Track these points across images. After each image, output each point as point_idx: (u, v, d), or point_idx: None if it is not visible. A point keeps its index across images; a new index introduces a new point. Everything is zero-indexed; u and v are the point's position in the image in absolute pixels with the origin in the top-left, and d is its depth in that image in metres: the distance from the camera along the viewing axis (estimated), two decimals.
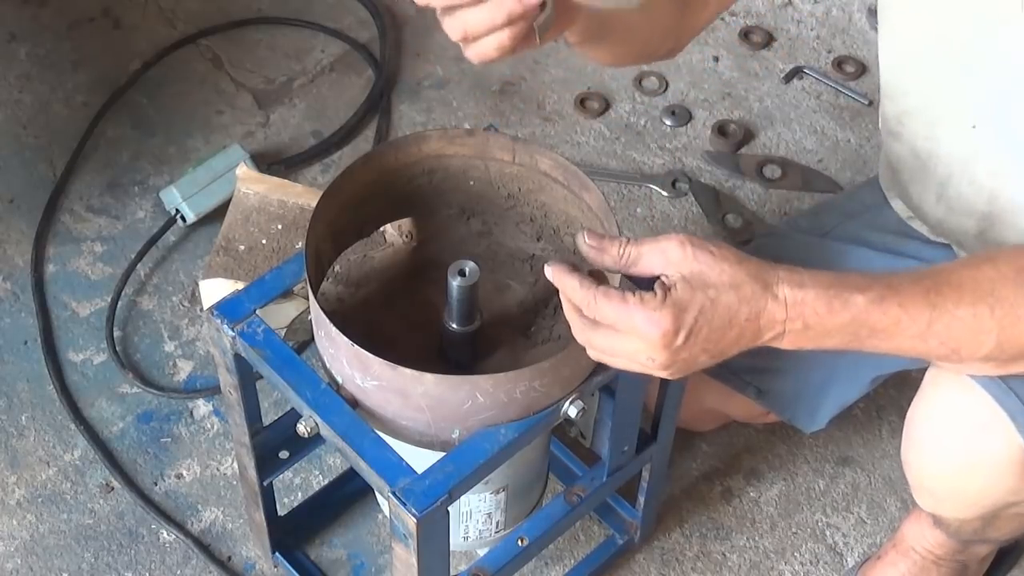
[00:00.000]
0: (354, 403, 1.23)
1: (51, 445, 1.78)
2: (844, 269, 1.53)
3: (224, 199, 1.95)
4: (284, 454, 1.46)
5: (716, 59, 2.29)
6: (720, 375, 1.61)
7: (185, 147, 2.13)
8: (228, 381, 1.34)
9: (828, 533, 1.73)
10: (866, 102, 2.21)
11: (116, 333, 1.88)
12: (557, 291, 1.10)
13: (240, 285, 1.64)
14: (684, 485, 1.76)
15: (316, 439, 1.26)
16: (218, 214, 1.94)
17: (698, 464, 1.79)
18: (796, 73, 2.25)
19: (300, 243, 1.80)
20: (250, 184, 1.88)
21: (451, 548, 1.33)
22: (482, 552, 1.48)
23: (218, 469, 1.76)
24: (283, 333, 1.78)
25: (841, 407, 1.61)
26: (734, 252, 1.06)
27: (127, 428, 1.80)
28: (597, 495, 1.46)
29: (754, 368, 1.60)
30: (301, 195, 1.87)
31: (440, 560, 1.28)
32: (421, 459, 1.21)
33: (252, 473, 1.46)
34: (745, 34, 2.32)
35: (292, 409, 1.36)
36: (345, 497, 1.70)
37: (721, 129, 2.14)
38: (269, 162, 2.06)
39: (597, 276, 1.10)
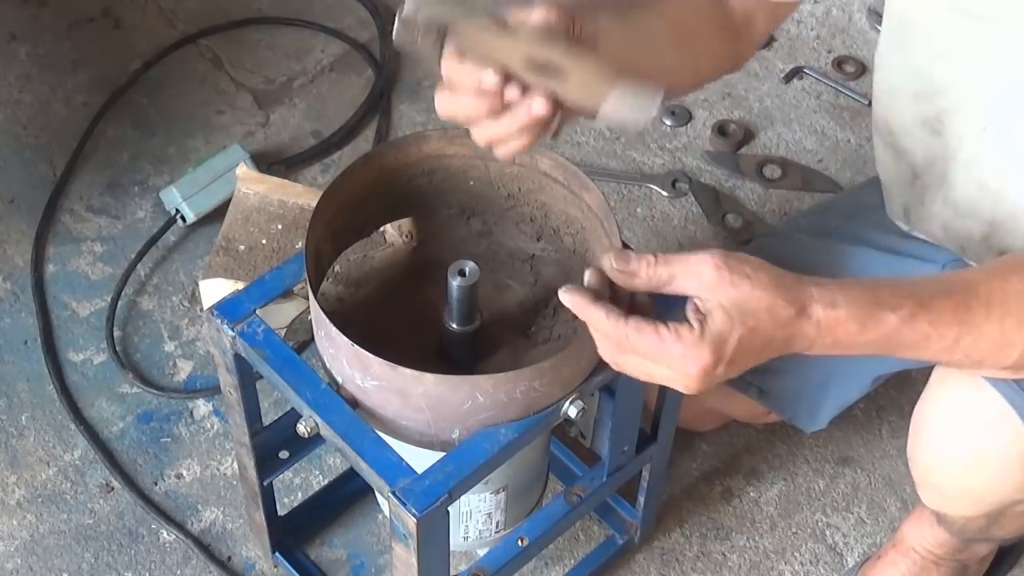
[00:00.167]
0: (354, 403, 1.23)
1: (51, 445, 1.78)
2: (846, 269, 1.54)
3: (224, 199, 1.95)
4: (284, 454, 1.46)
5: None
6: None
7: (185, 147, 2.13)
8: (228, 381, 1.34)
9: (828, 533, 1.73)
10: (866, 102, 2.21)
11: (116, 333, 1.88)
12: (557, 291, 1.10)
13: (240, 285, 1.64)
14: (684, 485, 1.76)
15: (316, 439, 1.26)
16: (218, 214, 1.94)
17: (698, 464, 1.79)
18: (796, 73, 2.25)
19: (300, 243, 1.80)
20: (250, 184, 1.88)
21: (451, 548, 1.33)
22: (482, 552, 1.48)
23: (218, 469, 1.76)
24: (283, 333, 1.78)
25: (842, 407, 1.61)
26: (768, 273, 1.04)
27: (127, 428, 1.80)
28: (597, 495, 1.46)
29: (755, 368, 1.59)
30: (301, 195, 1.87)
31: (440, 560, 1.28)
32: (421, 459, 1.21)
33: (252, 473, 1.46)
34: None
35: (292, 409, 1.36)
36: (345, 497, 1.70)
37: (721, 129, 2.14)
38: (269, 162, 2.06)
39: (613, 285, 1.08)
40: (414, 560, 1.23)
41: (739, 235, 2.02)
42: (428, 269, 1.36)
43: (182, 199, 1.96)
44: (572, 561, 1.68)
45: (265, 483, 1.49)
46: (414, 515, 1.16)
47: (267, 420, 1.46)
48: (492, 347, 1.30)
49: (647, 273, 1.04)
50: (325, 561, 1.68)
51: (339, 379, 1.24)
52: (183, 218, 1.97)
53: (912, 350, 1.09)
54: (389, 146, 1.33)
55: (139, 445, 1.78)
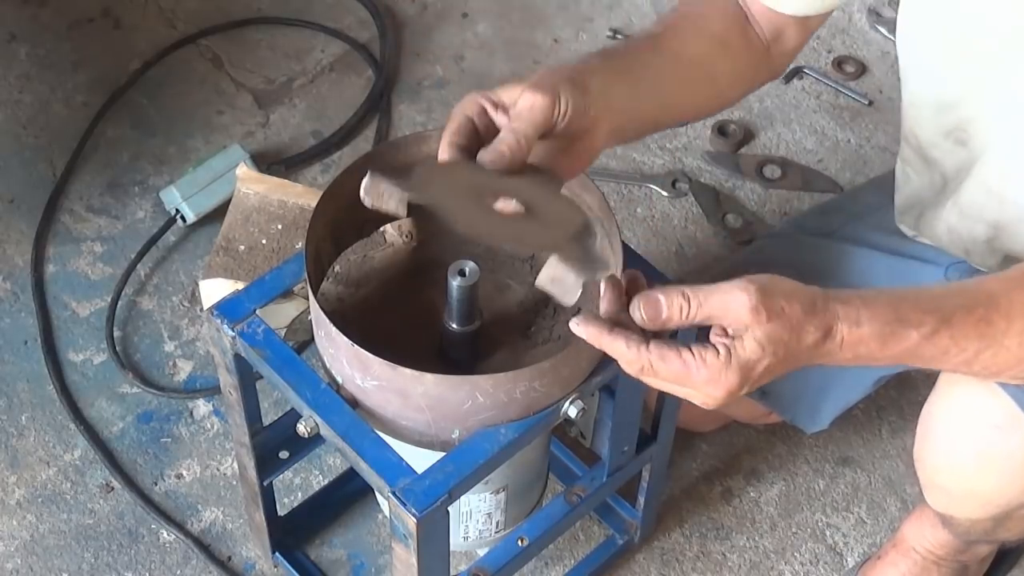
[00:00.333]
0: (354, 403, 1.23)
1: (51, 445, 1.78)
2: (847, 270, 1.54)
3: (224, 199, 1.95)
4: (284, 454, 1.46)
5: None
6: None
7: (185, 147, 2.13)
8: (228, 381, 1.34)
9: (828, 533, 1.73)
10: (866, 102, 2.21)
11: (116, 333, 1.88)
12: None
13: (240, 285, 1.64)
14: (684, 485, 1.76)
15: (316, 439, 1.26)
16: (218, 214, 1.94)
17: (698, 464, 1.79)
18: (796, 73, 2.25)
19: (300, 243, 1.80)
20: (250, 184, 1.88)
21: (451, 548, 1.33)
22: (482, 552, 1.48)
23: (218, 469, 1.76)
24: (283, 333, 1.78)
25: (843, 408, 1.61)
26: (800, 303, 1.02)
27: (127, 428, 1.80)
28: (597, 495, 1.46)
29: None
30: (301, 195, 1.87)
31: (440, 560, 1.28)
32: (421, 459, 1.21)
33: (252, 473, 1.46)
34: None
35: (292, 409, 1.36)
36: (345, 497, 1.70)
37: (721, 129, 2.14)
38: (269, 162, 2.06)
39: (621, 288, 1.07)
40: (414, 560, 1.23)
41: (739, 235, 2.02)
42: (428, 269, 1.36)
43: (182, 199, 1.96)
44: (572, 561, 1.68)
45: (265, 483, 1.48)
46: (414, 515, 1.16)
47: (267, 420, 1.46)
48: (492, 347, 1.29)
49: (679, 317, 1.02)
50: (325, 561, 1.68)
51: (339, 379, 1.24)
52: (183, 218, 1.97)
53: (931, 363, 1.09)
54: (389, 146, 1.33)
55: (139, 445, 1.78)
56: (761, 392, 1.61)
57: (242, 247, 1.83)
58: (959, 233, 1.41)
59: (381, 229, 1.39)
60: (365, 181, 1.09)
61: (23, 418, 1.81)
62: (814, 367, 1.48)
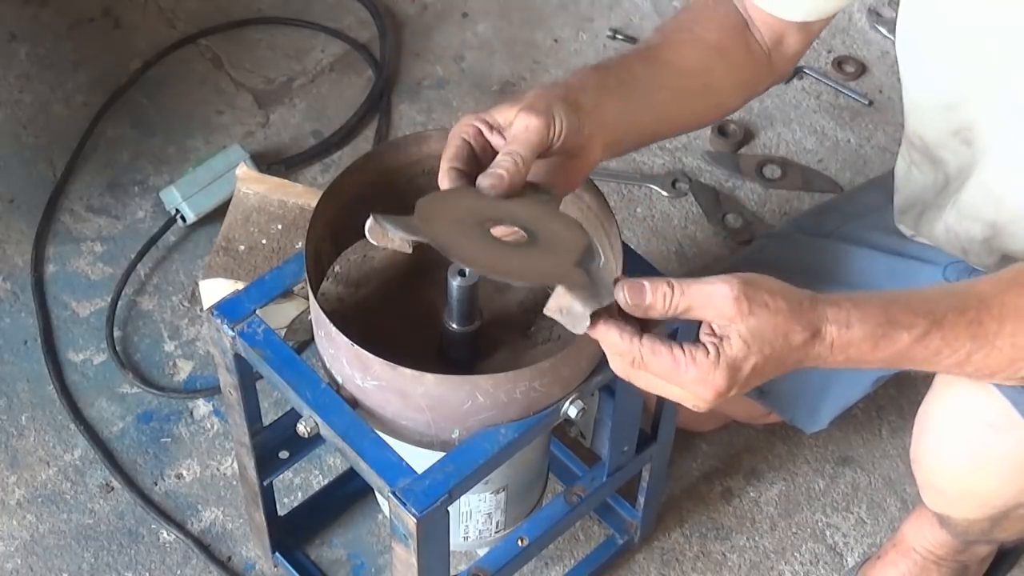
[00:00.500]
0: (354, 403, 1.23)
1: (51, 445, 1.78)
2: (847, 270, 1.54)
3: (224, 199, 1.95)
4: (284, 454, 1.46)
5: None
6: None
7: (185, 147, 2.13)
8: (228, 381, 1.34)
9: (828, 533, 1.73)
10: (866, 102, 2.21)
11: (116, 333, 1.88)
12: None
13: (240, 285, 1.64)
14: (684, 485, 1.76)
15: (316, 439, 1.26)
16: (218, 214, 1.94)
17: (698, 464, 1.79)
18: (796, 73, 2.25)
19: (300, 243, 1.80)
20: (250, 184, 1.88)
21: (451, 548, 1.33)
22: (482, 552, 1.48)
23: (218, 469, 1.76)
24: (283, 333, 1.78)
25: (843, 408, 1.61)
26: (785, 299, 1.02)
27: (127, 428, 1.80)
28: (597, 495, 1.46)
29: None
30: (301, 195, 1.87)
31: (440, 560, 1.28)
32: (421, 459, 1.21)
33: (252, 473, 1.46)
34: None
35: (292, 409, 1.36)
36: (345, 497, 1.70)
37: (721, 129, 2.14)
38: (269, 162, 2.06)
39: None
40: (414, 560, 1.23)
41: (739, 235, 2.02)
42: (428, 269, 1.36)
43: (182, 199, 1.96)
44: (572, 561, 1.68)
45: (265, 483, 1.49)
46: (414, 515, 1.16)
47: (267, 420, 1.46)
48: (492, 347, 1.29)
49: (663, 305, 1.02)
50: (325, 561, 1.68)
51: (339, 379, 1.24)
52: (183, 218, 1.97)
53: (923, 364, 1.09)
54: (389, 146, 1.33)
55: (139, 445, 1.78)
56: (760, 392, 1.61)
57: (242, 247, 1.83)
58: (956, 233, 1.41)
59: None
60: (369, 223, 1.09)
61: (23, 418, 1.81)
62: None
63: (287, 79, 2.24)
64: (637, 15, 2.35)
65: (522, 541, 1.42)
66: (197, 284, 1.91)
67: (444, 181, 1.14)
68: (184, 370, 1.86)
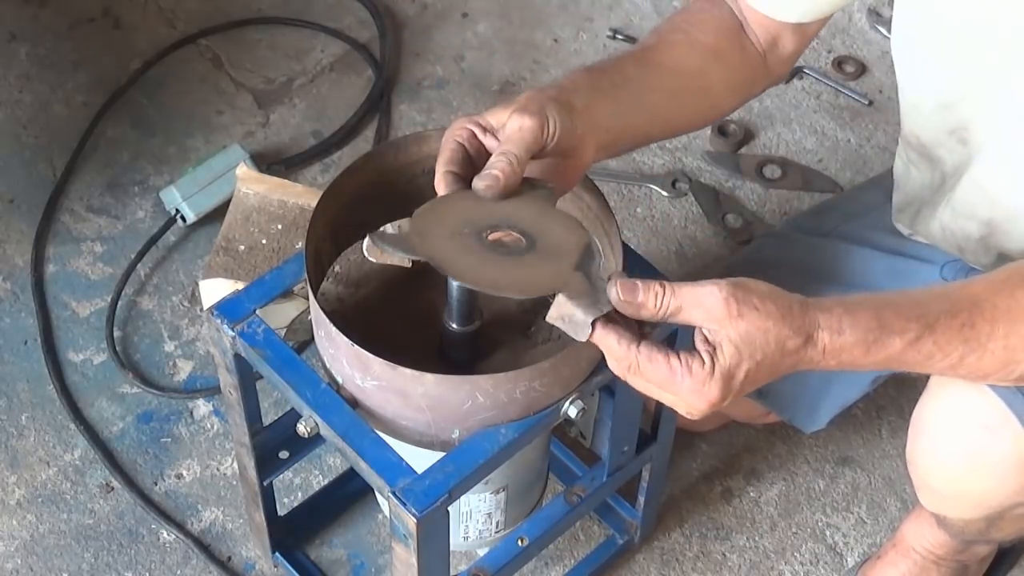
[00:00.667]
0: (354, 403, 1.23)
1: (51, 445, 1.78)
2: (846, 270, 1.54)
3: (224, 199, 1.95)
4: (284, 454, 1.46)
5: None
6: None
7: (185, 147, 2.13)
8: (228, 381, 1.34)
9: (828, 533, 1.73)
10: (866, 102, 2.21)
11: (116, 333, 1.88)
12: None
13: (240, 285, 1.64)
14: (684, 485, 1.76)
15: (316, 439, 1.26)
16: (218, 214, 1.94)
17: (698, 464, 1.79)
18: (796, 73, 2.25)
19: (300, 243, 1.80)
20: (250, 184, 1.88)
21: (451, 548, 1.33)
22: (482, 552, 1.48)
23: (218, 469, 1.76)
24: (283, 333, 1.78)
25: (841, 407, 1.61)
26: (775, 303, 1.03)
27: (127, 428, 1.80)
28: (597, 495, 1.46)
29: None
30: (301, 195, 1.87)
31: (440, 560, 1.28)
32: (421, 459, 1.21)
33: (252, 473, 1.46)
34: None
35: (292, 409, 1.36)
36: (345, 497, 1.70)
37: (721, 129, 2.14)
38: (269, 162, 2.06)
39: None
40: (414, 560, 1.23)
41: (739, 235, 2.02)
42: (428, 269, 1.35)
43: (182, 199, 1.96)
44: (572, 561, 1.68)
45: (265, 483, 1.49)
46: (414, 515, 1.16)
47: (267, 420, 1.46)
48: (492, 347, 1.29)
49: (654, 304, 1.03)
50: (325, 561, 1.68)
51: (339, 379, 1.24)
52: (183, 218, 1.97)
53: (916, 367, 1.09)
54: (389, 146, 1.33)
55: (139, 445, 1.78)
56: (759, 392, 1.60)
57: (242, 247, 1.83)
58: (952, 231, 1.41)
59: (381, 229, 1.39)
60: (366, 243, 1.10)
61: (23, 418, 1.81)
62: None
63: (287, 79, 2.24)
64: (637, 15, 2.35)
65: (522, 541, 1.42)
66: (197, 284, 1.91)
67: (441, 186, 1.15)
68: (184, 370, 1.86)
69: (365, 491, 1.69)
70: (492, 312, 1.31)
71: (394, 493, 1.17)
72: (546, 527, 1.43)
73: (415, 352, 1.23)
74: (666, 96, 1.29)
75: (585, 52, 2.29)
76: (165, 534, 1.70)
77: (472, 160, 1.17)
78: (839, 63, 2.26)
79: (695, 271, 1.97)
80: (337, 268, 1.35)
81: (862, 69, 2.26)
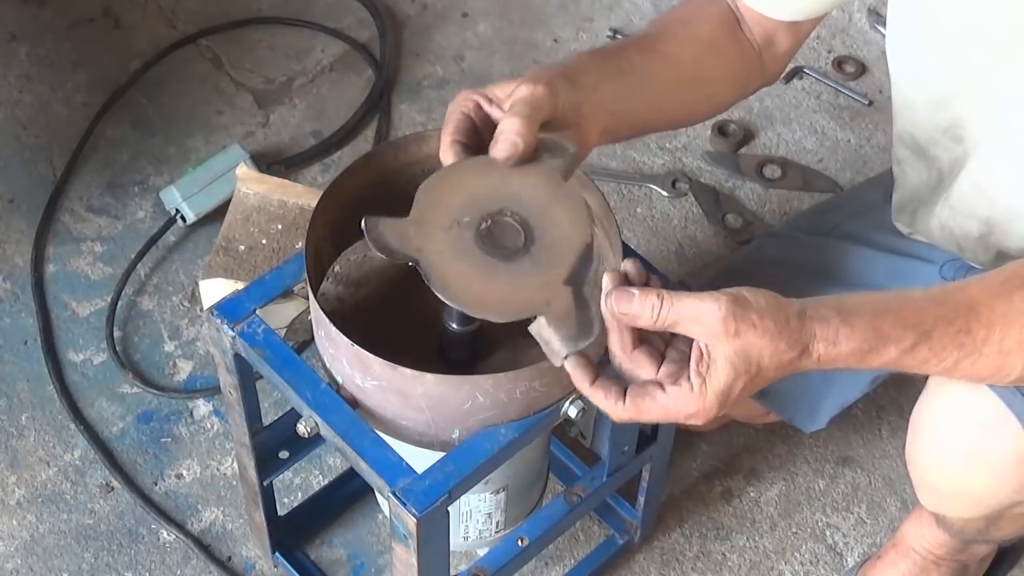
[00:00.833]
0: (354, 403, 1.23)
1: (51, 445, 1.78)
2: (846, 269, 1.54)
3: (224, 199, 1.95)
4: (284, 454, 1.46)
5: None
6: None
7: (185, 147, 2.13)
8: (228, 381, 1.34)
9: (828, 533, 1.73)
10: (866, 102, 2.21)
11: (116, 333, 1.88)
12: None
13: (240, 285, 1.64)
14: (684, 485, 1.76)
15: (316, 439, 1.26)
16: (218, 214, 1.94)
17: (698, 464, 1.79)
18: (796, 73, 2.25)
19: (300, 243, 1.80)
20: (250, 184, 1.88)
21: (451, 548, 1.33)
22: (482, 552, 1.48)
23: (218, 469, 1.76)
24: (283, 333, 1.78)
25: (841, 407, 1.61)
26: (773, 319, 1.02)
27: (127, 428, 1.80)
28: (597, 495, 1.46)
29: None
30: (301, 195, 1.87)
31: (440, 560, 1.28)
32: (421, 459, 1.21)
33: (252, 473, 1.46)
34: None
35: (292, 409, 1.36)
36: (345, 497, 1.70)
37: (721, 129, 2.14)
38: (269, 162, 2.06)
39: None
40: (414, 560, 1.23)
41: (739, 235, 2.02)
42: None
43: (182, 199, 1.96)
44: (572, 561, 1.68)
45: (265, 483, 1.49)
46: (414, 515, 1.16)
47: (267, 420, 1.46)
48: (492, 347, 1.30)
49: (650, 316, 1.02)
50: (325, 561, 1.68)
51: (339, 379, 1.24)
52: (183, 218, 1.97)
53: (910, 371, 1.10)
54: (389, 146, 1.33)
55: (139, 445, 1.78)
56: (759, 392, 1.60)
57: (242, 247, 1.83)
58: (951, 229, 1.41)
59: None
60: (364, 226, 1.09)
61: (23, 418, 1.81)
62: None
63: (287, 79, 2.24)
64: (637, 15, 2.35)
65: (522, 541, 1.42)
66: (197, 284, 1.91)
67: (448, 155, 1.13)
68: (184, 370, 1.86)
69: (365, 491, 1.69)
70: None
71: (394, 493, 1.17)
72: (546, 527, 1.43)
73: (415, 352, 1.23)
74: (667, 85, 1.29)
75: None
76: (165, 534, 1.70)
77: (478, 131, 1.15)
78: (839, 63, 2.26)
79: (695, 271, 1.97)
80: (337, 268, 1.35)
81: (862, 69, 2.26)
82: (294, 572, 1.63)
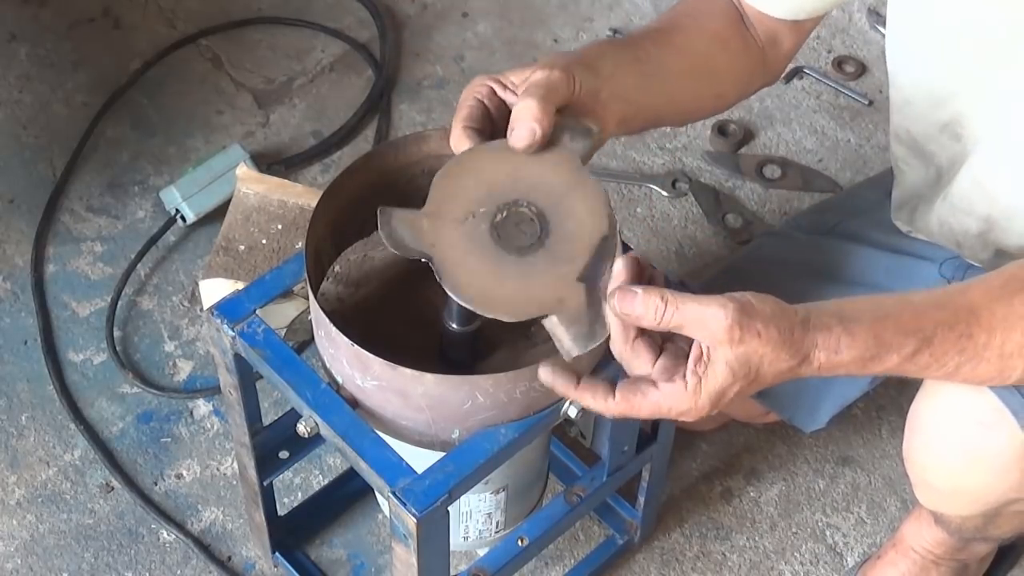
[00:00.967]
0: (354, 403, 1.23)
1: (51, 445, 1.78)
2: (846, 268, 1.54)
3: (224, 199, 1.95)
4: (284, 454, 1.46)
5: None
6: None
7: (185, 147, 2.13)
8: (228, 381, 1.34)
9: (828, 533, 1.73)
10: (866, 102, 2.21)
11: (116, 333, 1.88)
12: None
13: (240, 285, 1.64)
14: (684, 485, 1.76)
15: (316, 439, 1.26)
16: (218, 214, 1.94)
17: (698, 464, 1.79)
18: (796, 73, 2.25)
19: (300, 243, 1.80)
20: (250, 184, 1.88)
21: (451, 548, 1.33)
22: (482, 552, 1.48)
23: (218, 469, 1.76)
24: (283, 333, 1.78)
25: (841, 406, 1.61)
26: (779, 327, 1.02)
27: (127, 428, 1.80)
28: (597, 495, 1.46)
29: None
30: (301, 195, 1.87)
31: (440, 560, 1.28)
32: (421, 459, 1.21)
33: (252, 473, 1.46)
34: None
35: (292, 409, 1.36)
36: (345, 497, 1.70)
37: (721, 129, 2.14)
38: (269, 162, 2.06)
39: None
40: (414, 560, 1.23)
41: (739, 235, 2.02)
42: (428, 269, 1.36)
43: (182, 199, 1.96)
44: (572, 561, 1.68)
45: (265, 483, 1.49)
46: (414, 515, 1.16)
47: (267, 420, 1.46)
48: (492, 347, 1.29)
49: (654, 317, 1.02)
50: (325, 561, 1.68)
51: (339, 379, 1.24)
52: (183, 218, 1.97)
53: (911, 375, 1.10)
54: (389, 146, 1.33)
55: (139, 445, 1.78)
56: (759, 392, 1.61)
57: (242, 247, 1.83)
58: (950, 226, 1.41)
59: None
60: (379, 218, 1.09)
61: (23, 418, 1.81)
62: None
63: (287, 79, 2.24)
64: (637, 15, 2.35)
65: (522, 541, 1.42)
66: (197, 284, 1.91)
67: (461, 142, 1.12)
68: (184, 370, 1.86)
69: (365, 491, 1.69)
70: None
71: (394, 493, 1.17)
72: (546, 527, 1.43)
73: (415, 352, 1.23)
74: (680, 76, 1.29)
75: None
76: (165, 534, 1.70)
77: (492, 117, 1.14)
78: (839, 63, 2.26)
79: (695, 271, 1.97)
80: (337, 268, 1.35)
81: (862, 69, 2.26)
82: (294, 572, 1.63)
